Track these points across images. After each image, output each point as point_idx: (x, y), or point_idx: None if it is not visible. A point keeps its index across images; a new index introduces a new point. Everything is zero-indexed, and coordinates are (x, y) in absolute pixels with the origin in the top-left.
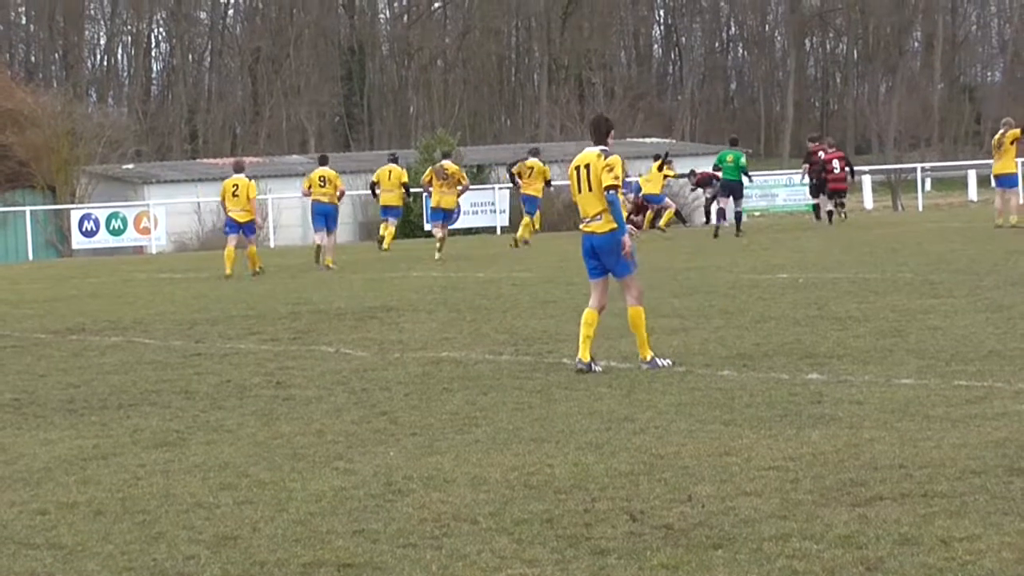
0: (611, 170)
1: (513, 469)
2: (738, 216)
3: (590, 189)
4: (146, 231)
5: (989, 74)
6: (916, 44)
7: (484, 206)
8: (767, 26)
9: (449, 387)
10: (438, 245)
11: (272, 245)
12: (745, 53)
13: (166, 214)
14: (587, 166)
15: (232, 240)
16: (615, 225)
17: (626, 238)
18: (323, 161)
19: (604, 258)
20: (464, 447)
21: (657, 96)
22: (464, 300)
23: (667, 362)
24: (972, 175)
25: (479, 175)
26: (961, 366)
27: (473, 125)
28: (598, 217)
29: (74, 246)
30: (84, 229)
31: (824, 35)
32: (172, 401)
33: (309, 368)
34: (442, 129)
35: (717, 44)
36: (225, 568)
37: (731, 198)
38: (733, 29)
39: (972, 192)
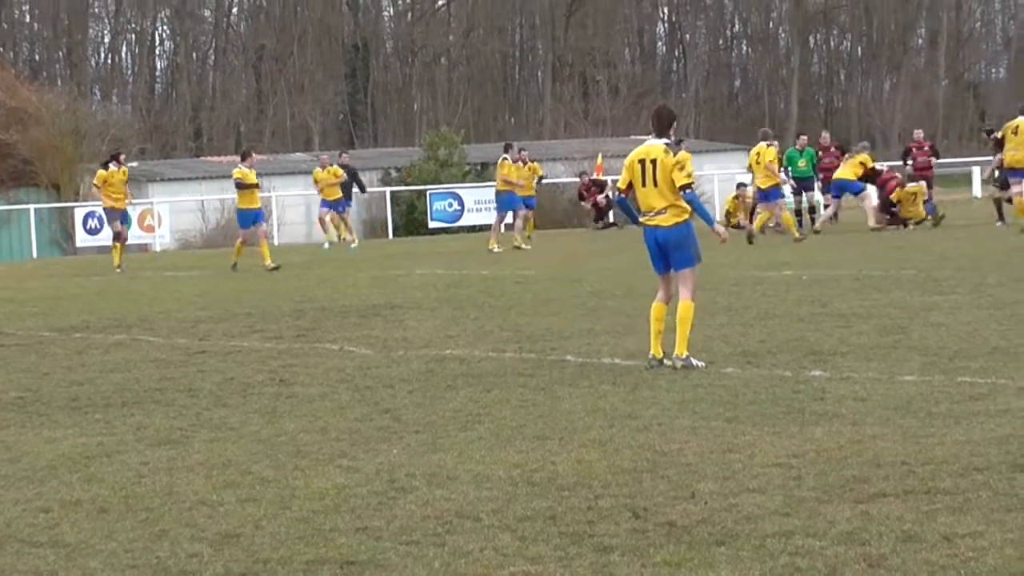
0: (683, 168)
1: (516, 466)
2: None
3: (655, 184)
4: (150, 229)
5: (994, 71)
6: (920, 41)
7: (488, 203)
8: (771, 23)
9: (453, 384)
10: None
11: (277, 242)
12: (749, 50)
13: (170, 212)
14: (653, 160)
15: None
16: (682, 218)
17: (718, 227)
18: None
19: (670, 251)
20: (467, 444)
21: (661, 93)
22: (468, 298)
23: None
24: (976, 172)
25: (483, 173)
26: (964, 363)
27: (477, 123)
28: (664, 211)
29: (78, 244)
30: (88, 227)
31: (828, 32)
32: (176, 399)
33: (313, 366)
34: (446, 127)
35: (721, 41)
36: (228, 566)
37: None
38: (737, 26)
39: (976, 189)
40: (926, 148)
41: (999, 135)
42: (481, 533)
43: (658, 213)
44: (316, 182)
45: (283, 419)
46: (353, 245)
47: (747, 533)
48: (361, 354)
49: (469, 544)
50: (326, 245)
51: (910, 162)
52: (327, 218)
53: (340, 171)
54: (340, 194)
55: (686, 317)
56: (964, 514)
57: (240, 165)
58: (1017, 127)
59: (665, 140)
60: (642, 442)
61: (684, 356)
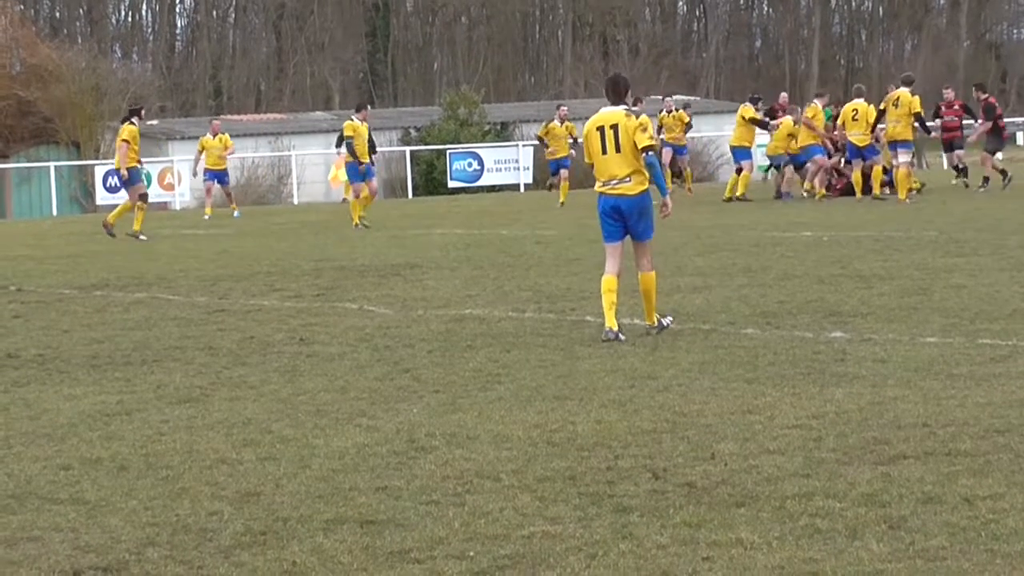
0: (645, 130)
1: (536, 426)
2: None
3: (618, 150)
4: (170, 187)
5: (1015, 31)
6: (942, 1)
7: (508, 163)
8: None
9: (472, 344)
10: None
11: (296, 202)
12: (770, 10)
13: (190, 170)
14: (614, 126)
15: None
16: (645, 186)
17: (668, 199)
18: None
19: (631, 220)
20: (487, 404)
21: (681, 53)
22: (487, 257)
23: (668, 318)
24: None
25: (503, 132)
26: (985, 324)
27: (497, 82)
28: (627, 179)
29: (98, 202)
30: (108, 185)
31: None
32: (195, 357)
33: (332, 325)
34: (466, 86)
35: (742, 1)
36: (248, 524)
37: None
38: None
39: None
40: (956, 107)
41: (881, 106)
42: (501, 493)
43: (621, 181)
44: (203, 150)
45: (303, 378)
46: (236, 214)
47: (767, 494)
48: (380, 313)
49: (489, 504)
50: (207, 216)
51: (938, 121)
52: (211, 190)
53: (230, 141)
54: (225, 165)
55: (651, 288)
56: (985, 476)
57: (353, 117)
58: (898, 99)
59: (624, 106)
60: (662, 403)
61: (655, 324)
